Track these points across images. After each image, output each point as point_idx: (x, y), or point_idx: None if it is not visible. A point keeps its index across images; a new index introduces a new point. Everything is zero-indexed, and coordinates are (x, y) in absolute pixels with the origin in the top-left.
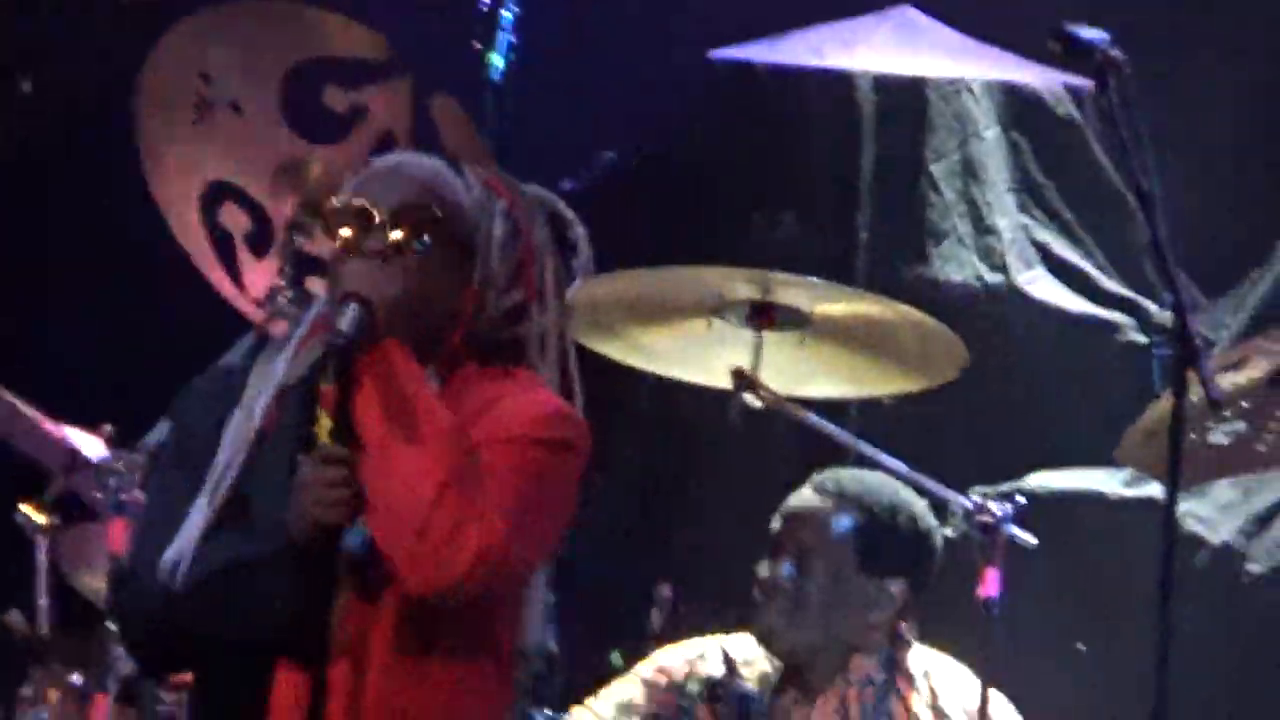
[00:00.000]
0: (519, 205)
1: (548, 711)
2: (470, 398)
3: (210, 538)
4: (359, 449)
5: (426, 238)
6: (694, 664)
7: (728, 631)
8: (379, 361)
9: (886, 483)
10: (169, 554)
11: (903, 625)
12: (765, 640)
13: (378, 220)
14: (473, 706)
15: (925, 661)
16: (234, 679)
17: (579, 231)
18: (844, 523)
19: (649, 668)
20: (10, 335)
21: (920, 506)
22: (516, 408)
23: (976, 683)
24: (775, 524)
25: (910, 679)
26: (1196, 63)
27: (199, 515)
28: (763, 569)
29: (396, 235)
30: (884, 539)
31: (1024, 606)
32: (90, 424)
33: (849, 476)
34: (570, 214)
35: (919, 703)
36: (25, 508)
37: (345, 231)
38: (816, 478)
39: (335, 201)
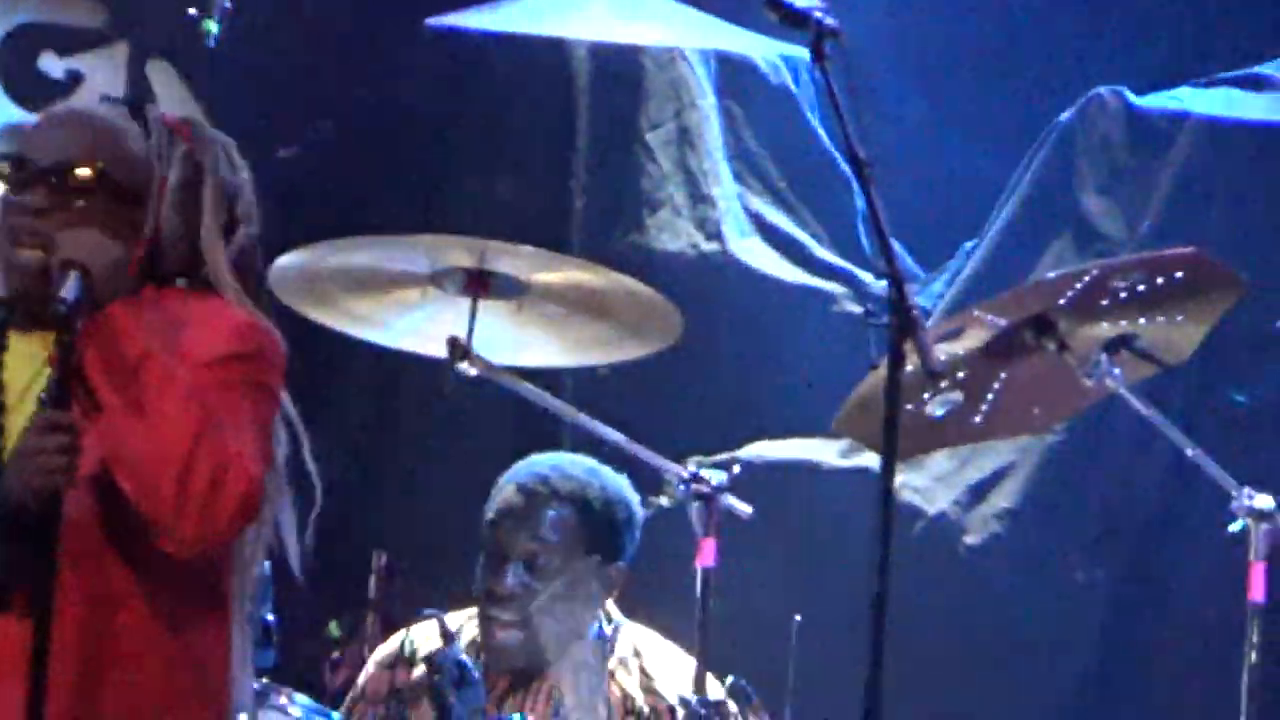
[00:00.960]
0: (200, 146)
1: (263, 680)
2: (155, 319)
3: None
4: (86, 410)
5: (81, 191)
6: (404, 647)
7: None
8: (105, 327)
9: (590, 469)
10: None
11: (610, 604)
12: (498, 656)
13: (34, 174)
14: (202, 664)
15: (635, 639)
16: None
17: (244, 176)
18: (563, 520)
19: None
20: None
21: (626, 485)
22: (205, 328)
23: (687, 659)
24: (487, 528)
25: (622, 660)
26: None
27: None
28: (488, 580)
29: (53, 186)
30: (607, 529)
31: (740, 577)
32: None
33: (555, 472)
34: (239, 159)
35: (631, 684)
36: None
37: (5, 183)
38: (520, 475)
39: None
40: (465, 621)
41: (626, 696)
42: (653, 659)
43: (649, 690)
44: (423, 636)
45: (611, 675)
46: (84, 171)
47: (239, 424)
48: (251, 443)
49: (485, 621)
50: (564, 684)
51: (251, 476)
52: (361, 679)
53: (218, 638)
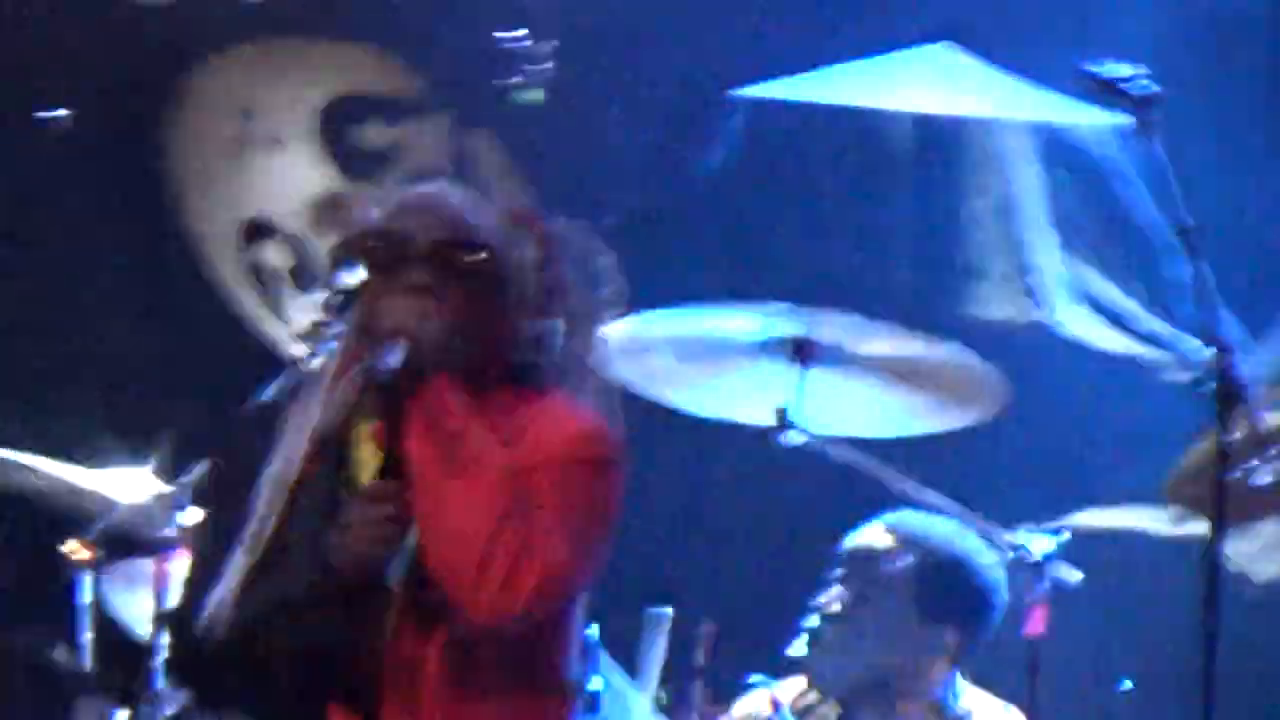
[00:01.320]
0: (547, 233)
1: None
2: (506, 421)
3: (255, 582)
4: (405, 485)
5: (464, 271)
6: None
7: (776, 667)
8: (428, 398)
9: (956, 531)
10: (210, 601)
11: (954, 673)
12: (810, 676)
13: (417, 254)
14: None
15: (973, 704)
16: (286, 716)
17: (606, 260)
18: (905, 563)
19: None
20: (52, 373)
21: (986, 560)
22: (555, 428)
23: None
24: (839, 559)
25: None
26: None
27: (237, 561)
28: (819, 598)
29: (436, 266)
30: (942, 586)
31: (1070, 645)
32: (132, 461)
33: (917, 519)
34: (597, 243)
35: None
36: (69, 544)
37: (381, 265)
38: (887, 517)
39: (370, 233)
40: (792, 691)
41: None
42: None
43: None
44: (753, 707)
45: None
46: (465, 250)
47: (555, 520)
48: (561, 537)
49: (804, 643)
50: None
51: (551, 566)
52: None
53: (559, 712)
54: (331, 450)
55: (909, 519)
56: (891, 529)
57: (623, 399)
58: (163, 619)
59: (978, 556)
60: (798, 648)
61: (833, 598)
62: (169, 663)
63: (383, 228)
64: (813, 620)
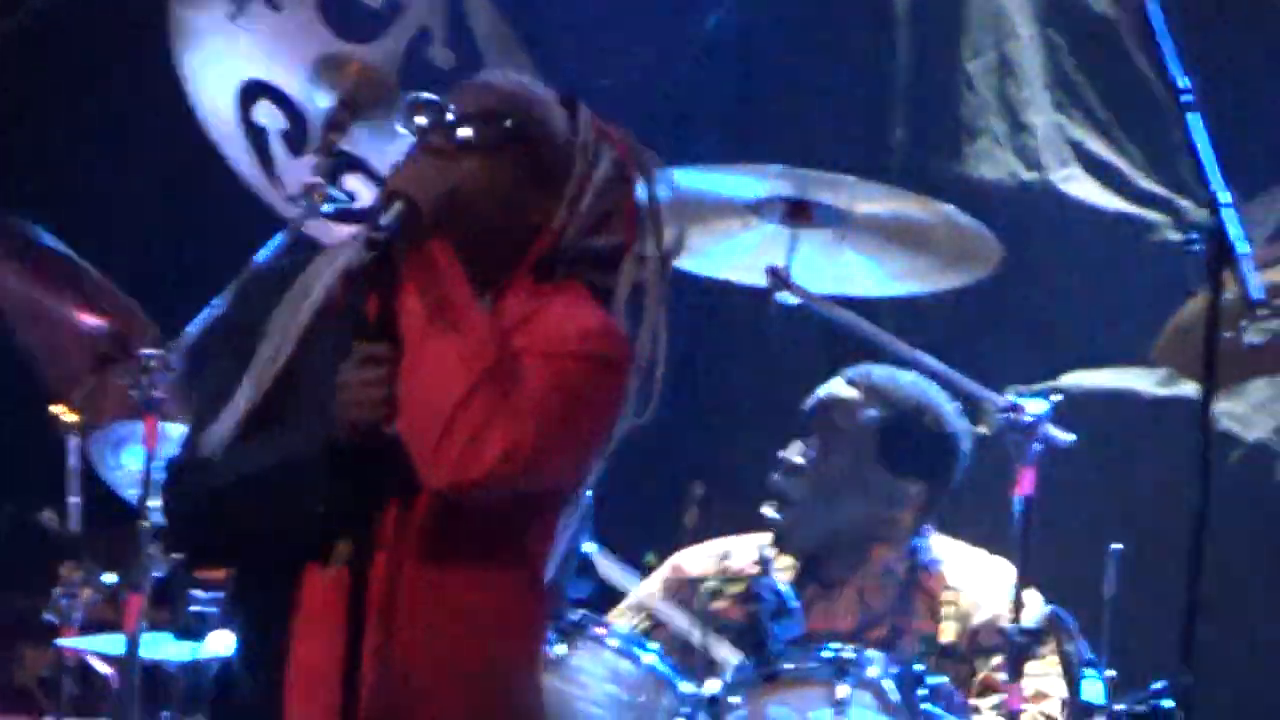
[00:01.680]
0: (631, 158)
1: (581, 611)
2: (514, 306)
3: (258, 428)
4: (399, 347)
5: (490, 146)
6: (715, 564)
7: (747, 532)
8: (422, 260)
9: (919, 384)
10: (211, 431)
11: (924, 524)
12: (780, 537)
13: (448, 117)
14: (504, 613)
15: (944, 550)
16: (268, 578)
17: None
18: (869, 414)
19: (667, 567)
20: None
21: (949, 411)
22: (559, 321)
23: (995, 567)
24: (805, 411)
25: (929, 568)
26: None
27: (243, 396)
28: (785, 451)
29: (462, 134)
30: (906, 437)
31: (1059, 506)
32: (126, 320)
33: (882, 372)
34: (669, 188)
35: (939, 591)
36: (56, 407)
37: (417, 124)
38: (850, 370)
39: (418, 98)
40: (767, 548)
41: (933, 604)
42: (960, 567)
43: (955, 600)
44: (737, 555)
45: (919, 587)
46: (495, 123)
47: (536, 401)
48: (539, 419)
49: (769, 502)
50: (868, 590)
51: (516, 441)
52: (667, 573)
53: (534, 583)
54: (349, 304)
55: (874, 372)
56: (854, 382)
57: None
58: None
59: (941, 408)
60: (767, 507)
61: (797, 451)
62: (164, 509)
63: (432, 98)
64: (777, 475)
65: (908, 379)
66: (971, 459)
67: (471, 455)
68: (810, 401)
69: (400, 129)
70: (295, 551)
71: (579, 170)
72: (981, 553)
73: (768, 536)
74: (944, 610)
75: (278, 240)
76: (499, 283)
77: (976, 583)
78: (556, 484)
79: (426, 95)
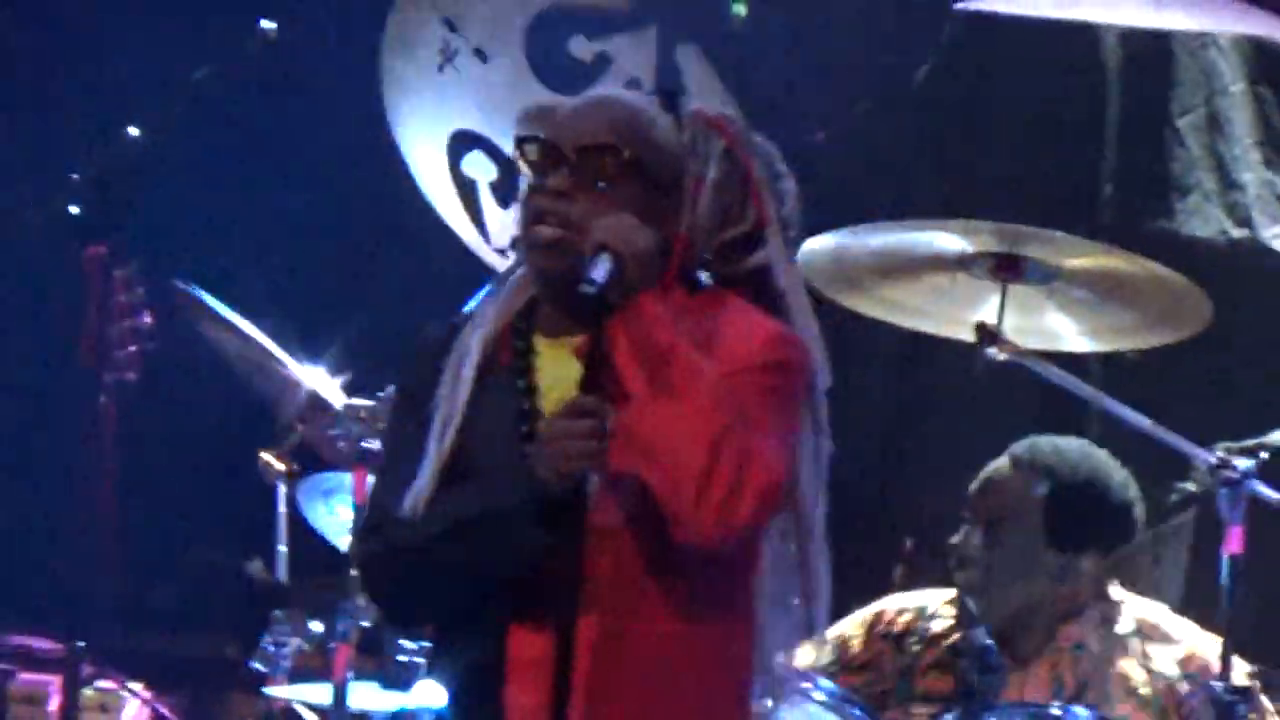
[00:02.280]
0: (739, 143)
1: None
2: (693, 327)
3: (448, 485)
4: (608, 399)
5: (608, 178)
6: (916, 618)
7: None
8: (635, 314)
9: (1086, 454)
10: (407, 499)
11: (1111, 587)
12: (962, 616)
13: (558, 156)
14: (724, 660)
15: (1140, 615)
16: (477, 631)
17: (789, 185)
18: (1034, 492)
19: (869, 611)
20: (253, 281)
21: (1118, 479)
22: (740, 337)
23: (1192, 631)
24: (971, 490)
25: (1123, 640)
26: None
27: (430, 458)
28: (954, 538)
29: (579, 171)
30: (1073, 511)
31: (1268, 563)
32: (332, 372)
33: (1046, 446)
34: (783, 166)
35: (1131, 665)
36: (265, 455)
37: (530, 164)
38: (1014, 447)
39: (521, 136)
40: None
41: (1126, 678)
42: (1154, 636)
43: (1147, 669)
44: (939, 613)
45: (1112, 660)
46: (611, 156)
47: (764, 428)
48: (775, 446)
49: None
50: (1061, 664)
51: (772, 474)
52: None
53: (744, 635)
54: (512, 357)
55: (1037, 446)
56: (1017, 458)
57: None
58: (356, 529)
59: (1107, 477)
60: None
61: (965, 539)
62: (360, 576)
63: (535, 131)
64: (951, 564)
65: (1073, 449)
66: (1143, 525)
67: (735, 501)
68: (975, 483)
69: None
70: (501, 603)
71: (693, 171)
72: (1181, 620)
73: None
74: (1140, 681)
75: (483, 292)
76: (655, 293)
77: (1168, 651)
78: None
79: (530, 134)
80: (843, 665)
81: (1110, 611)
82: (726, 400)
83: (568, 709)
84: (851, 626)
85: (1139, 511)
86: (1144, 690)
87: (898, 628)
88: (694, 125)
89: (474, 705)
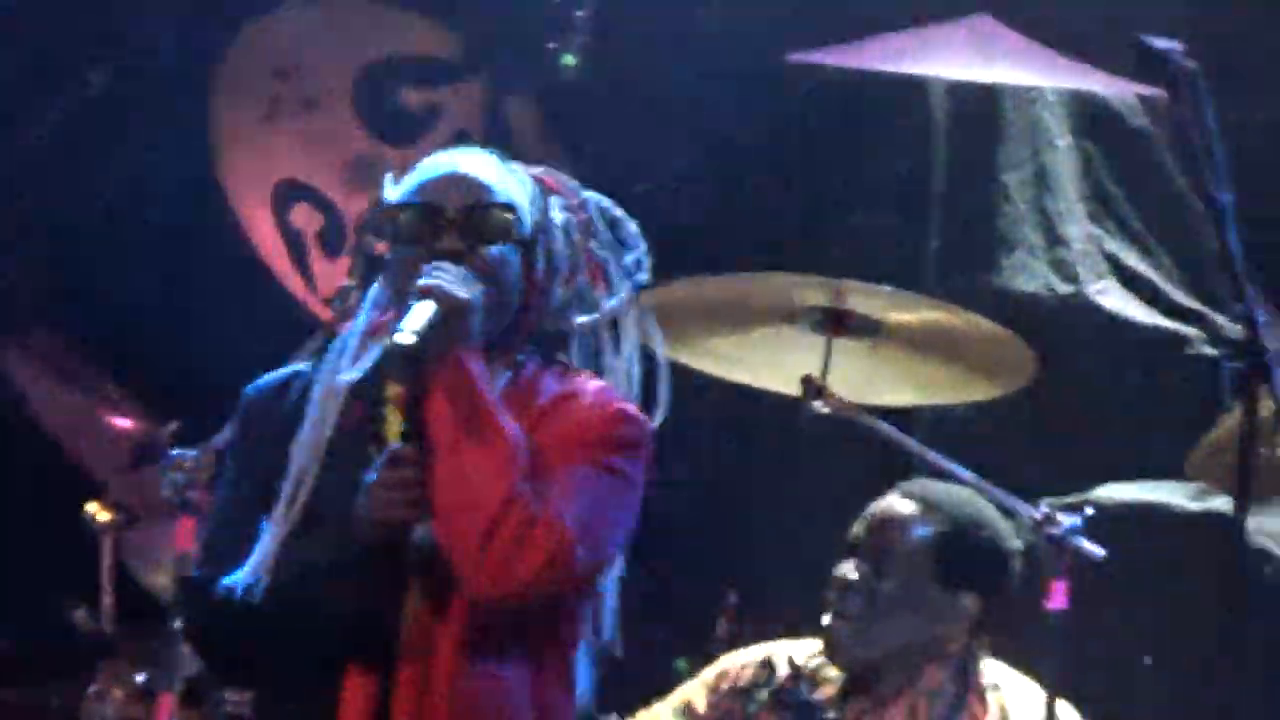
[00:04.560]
0: (574, 200)
1: (614, 716)
2: (537, 397)
3: (289, 547)
4: (429, 451)
5: (497, 235)
6: (759, 671)
7: (796, 638)
8: (452, 367)
9: (973, 498)
10: (248, 572)
11: (974, 641)
12: (832, 650)
13: (445, 219)
14: (538, 707)
15: (996, 676)
16: (303, 683)
17: (631, 229)
18: (925, 530)
19: (712, 671)
20: (74, 330)
21: (1004, 526)
22: (584, 409)
23: (1044, 697)
24: (857, 527)
25: (980, 694)
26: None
27: (276, 528)
28: (839, 569)
29: (469, 231)
30: (963, 552)
31: (1091, 619)
32: (157, 421)
33: (937, 486)
34: (620, 211)
35: (984, 715)
36: (90, 506)
37: (413, 232)
38: (904, 485)
39: (397, 205)
40: (818, 654)
41: None
42: (1011, 695)
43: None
44: (781, 664)
45: (967, 709)
46: (496, 214)
47: (581, 495)
48: (585, 513)
49: (824, 616)
50: (919, 707)
51: (563, 539)
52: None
53: (559, 684)
54: (363, 414)
55: (927, 486)
56: (908, 496)
57: (657, 369)
58: (181, 584)
59: (995, 522)
60: (826, 616)
61: (850, 569)
62: (185, 629)
63: (411, 198)
64: (831, 593)
65: (962, 493)
66: (1022, 575)
67: (513, 565)
68: (863, 518)
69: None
70: (327, 659)
71: (539, 225)
72: (1033, 683)
73: (812, 644)
74: None
75: (313, 343)
76: (507, 358)
77: (1025, 714)
78: (594, 576)
79: (407, 201)
80: None
81: (972, 663)
82: (527, 464)
83: None
84: (695, 688)
85: (1019, 560)
86: None
87: (743, 682)
88: (531, 181)
89: None
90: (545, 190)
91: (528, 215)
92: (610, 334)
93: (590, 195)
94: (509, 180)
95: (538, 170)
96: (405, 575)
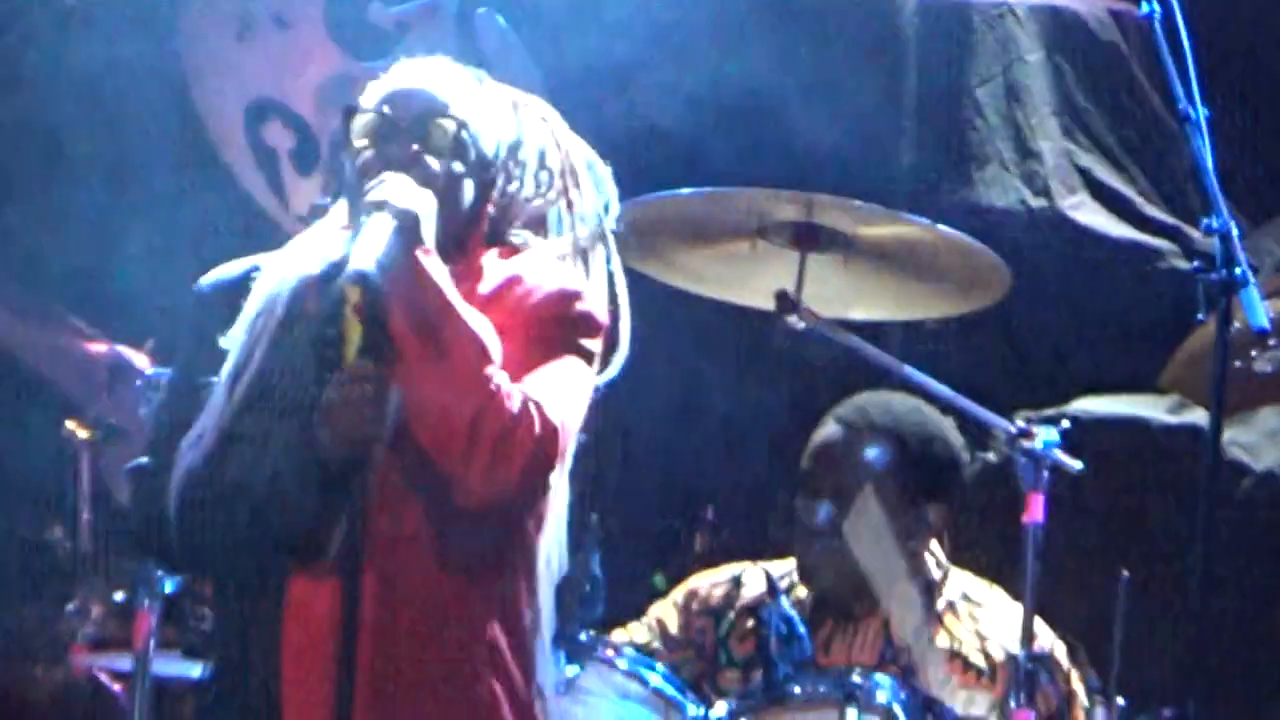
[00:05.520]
0: (549, 129)
1: (591, 632)
2: (481, 279)
3: (229, 442)
4: (385, 364)
5: (442, 148)
6: (731, 589)
7: (767, 558)
8: (411, 275)
9: (912, 407)
10: (186, 440)
11: (938, 549)
12: (808, 577)
13: (393, 129)
14: (503, 613)
15: (965, 586)
16: (246, 592)
17: (605, 172)
18: (879, 456)
19: (681, 591)
20: (49, 251)
21: (949, 426)
22: (530, 289)
23: (1015, 605)
24: (806, 463)
25: (950, 603)
26: None
27: (216, 409)
28: (801, 510)
29: (413, 142)
30: (919, 467)
31: (1067, 532)
32: (133, 340)
33: (876, 406)
34: (591, 153)
35: (963, 631)
36: (69, 424)
37: (364, 139)
38: (841, 411)
39: (352, 110)
40: (790, 573)
41: (955, 641)
42: (987, 611)
43: (977, 633)
44: (750, 582)
45: (939, 619)
46: (444, 126)
47: (549, 381)
48: (556, 399)
49: (801, 555)
50: (892, 621)
51: (546, 428)
52: (681, 596)
53: (525, 591)
54: (321, 319)
55: (865, 408)
56: (849, 422)
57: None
58: (132, 474)
59: (941, 427)
60: (799, 550)
61: (811, 513)
62: (133, 517)
63: (370, 105)
64: (801, 531)
65: (902, 406)
66: (976, 474)
67: (502, 462)
68: (809, 453)
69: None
70: (277, 562)
71: (508, 147)
72: (1005, 597)
73: (784, 563)
74: (964, 640)
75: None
76: (456, 260)
77: (997, 620)
78: (564, 455)
79: (362, 108)
80: (664, 644)
81: (940, 574)
82: (496, 356)
83: (354, 661)
84: (666, 607)
85: (969, 459)
86: (975, 658)
87: (714, 601)
88: (507, 100)
89: (251, 667)
90: (523, 117)
91: (487, 135)
92: (573, 259)
93: (566, 130)
94: (470, 99)
95: (523, 97)
96: (365, 485)
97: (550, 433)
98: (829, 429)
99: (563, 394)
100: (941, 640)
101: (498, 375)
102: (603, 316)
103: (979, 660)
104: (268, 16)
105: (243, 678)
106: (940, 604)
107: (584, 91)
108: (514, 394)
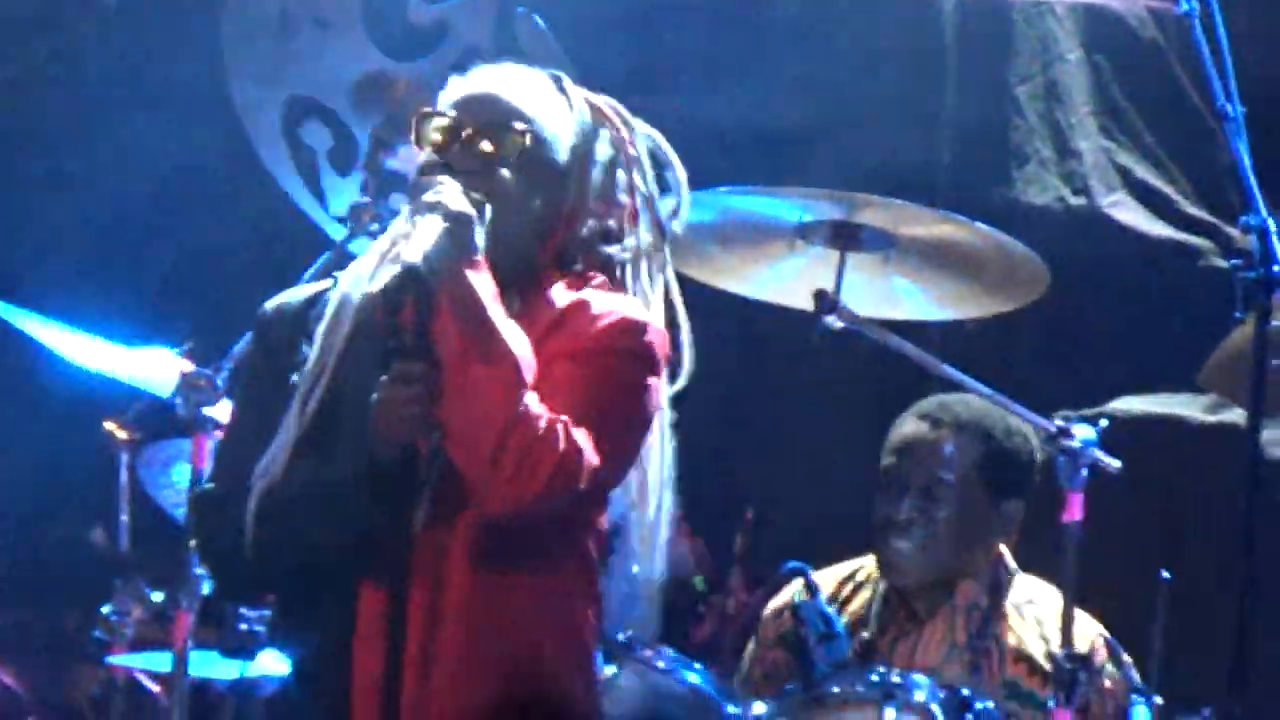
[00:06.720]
0: (627, 135)
1: (630, 632)
2: (548, 308)
3: (298, 455)
4: (435, 367)
5: (513, 156)
6: (839, 583)
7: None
8: (457, 281)
9: (988, 407)
10: (261, 463)
11: (1004, 549)
12: (892, 570)
13: (465, 134)
14: (557, 618)
15: (1032, 591)
16: (316, 600)
17: (678, 174)
18: (964, 451)
19: (799, 582)
20: (90, 251)
21: (1023, 425)
22: (592, 319)
23: (1081, 617)
24: (889, 459)
25: (1016, 607)
26: None
27: (290, 426)
28: (884, 507)
29: (484, 149)
30: (1003, 463)
31: (1106, 532)
32: (171, 340)
33: (959, 404)
34: (671, 154)
35: (1028, 633)
36: (108, 424)
37: (433, 142)
38: (923, 407)
39: (426, 112)
40: (830, 578)
41: (1021, 642)
42: (1044, 606)
43: (1046, 643)
44: (868, 570)
45: (1004, 619)
46: (515, 135)
47: (595, 409)
48: (598, 427)
49: (883, 550)
50: (957, 624)
51: (568, 453)
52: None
53: (581, 597)
54: (385, 331)
55: (945, 406)
56: (934, 419)
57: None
58: (193, 499)
59: (1020, 424)
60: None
61: (898, 509)
62: (196, 545)
63: (441, 109)
64: (891, 539)
65: (977, 404)
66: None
67: (522, 479)
68: (893, 449)
69: (414, 144)
70: (343, 572)
71: (580, 154)
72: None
73: (841, 569)
74: (1040, 654)
75: (324, 261)
76: (525, 280)
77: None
78: (606, 485)
79: (437, 110)
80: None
81: (1001, 574)
82: (537, 376)
83: (402, 669)
84: (785, 596)
85: (1039, 460)
86: (1040, 659)
87: (783, 629)
88: (581, 108)
89: (323, 675)
90: (598, 120)
91: (561, 143)
92: (635, 273)
93: (645, 132)
94: (546, 106)
95: (601, 100)
96: (416, 490)
97: (574, 456)
98: (912, 425)
99: (601, 418)
100: (1007, 638)
101: (528, 396)
102: (665, 349)
103: (1045, 663)
104: (306, 16)
105: (315, 681)
106: (1007, 604)
107: (621, 94)
108: (542, 414)
